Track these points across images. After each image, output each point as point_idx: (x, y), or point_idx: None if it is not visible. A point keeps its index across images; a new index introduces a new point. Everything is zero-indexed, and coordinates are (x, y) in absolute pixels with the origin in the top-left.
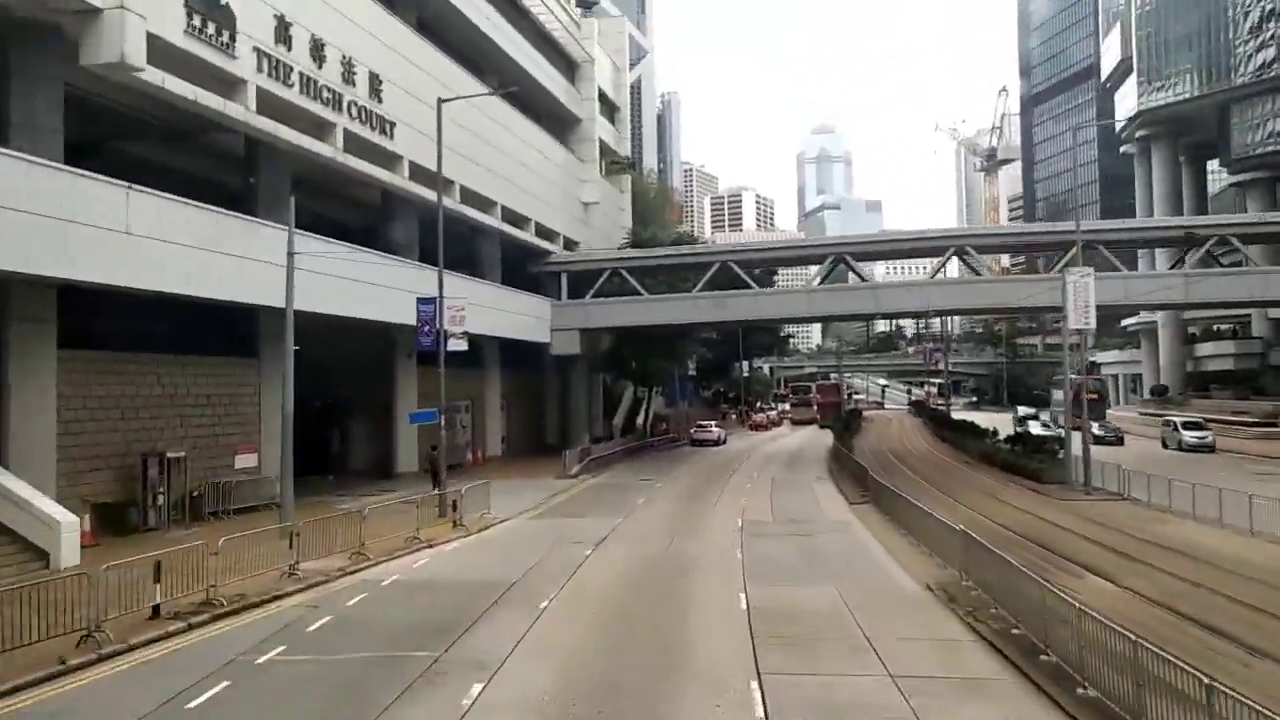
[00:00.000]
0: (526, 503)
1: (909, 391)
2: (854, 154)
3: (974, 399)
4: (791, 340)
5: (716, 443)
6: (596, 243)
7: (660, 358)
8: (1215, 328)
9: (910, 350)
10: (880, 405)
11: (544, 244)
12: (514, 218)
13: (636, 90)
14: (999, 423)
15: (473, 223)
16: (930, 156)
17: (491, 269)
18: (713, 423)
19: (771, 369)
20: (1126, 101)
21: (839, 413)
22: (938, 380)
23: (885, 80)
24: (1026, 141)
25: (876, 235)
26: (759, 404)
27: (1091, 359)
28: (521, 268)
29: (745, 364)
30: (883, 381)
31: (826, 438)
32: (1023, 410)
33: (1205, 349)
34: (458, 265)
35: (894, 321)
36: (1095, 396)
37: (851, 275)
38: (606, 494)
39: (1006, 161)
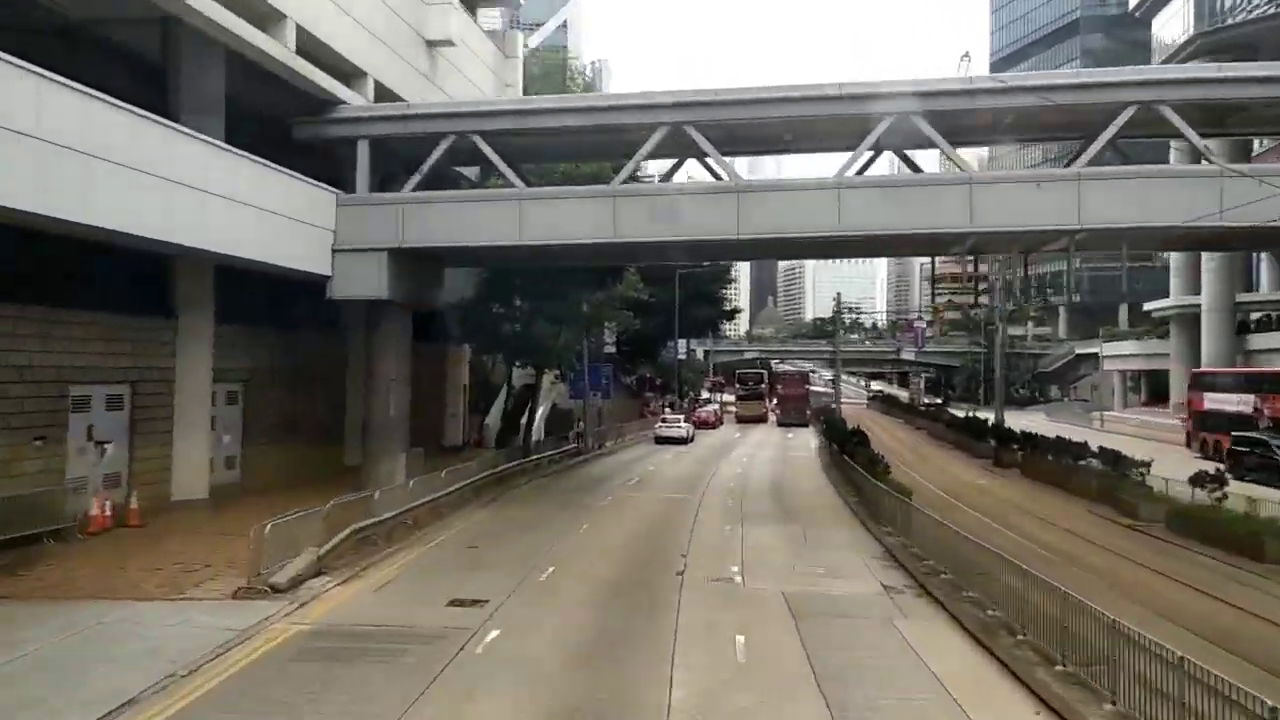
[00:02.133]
0: None
1: (866, 384)
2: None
3: (940, 395)
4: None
5: (684, 440)
6: None
7: (558, 318)
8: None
9: (864, 337)
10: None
11: (332, 86)
12: (264, 15)
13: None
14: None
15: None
16: None
17: (202, 107)
18: (680, 417)
19: (707, 353)
20: (1171, 27)
21: (805, 410)
22: (901, 370)
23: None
24: None
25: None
26: (696, 396)
27: (1081, 350)
28: (282, 134)
29: (682, 343)
30: (826, 372)
31: (795, 443)
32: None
33: (1263, 340)
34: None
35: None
36: None
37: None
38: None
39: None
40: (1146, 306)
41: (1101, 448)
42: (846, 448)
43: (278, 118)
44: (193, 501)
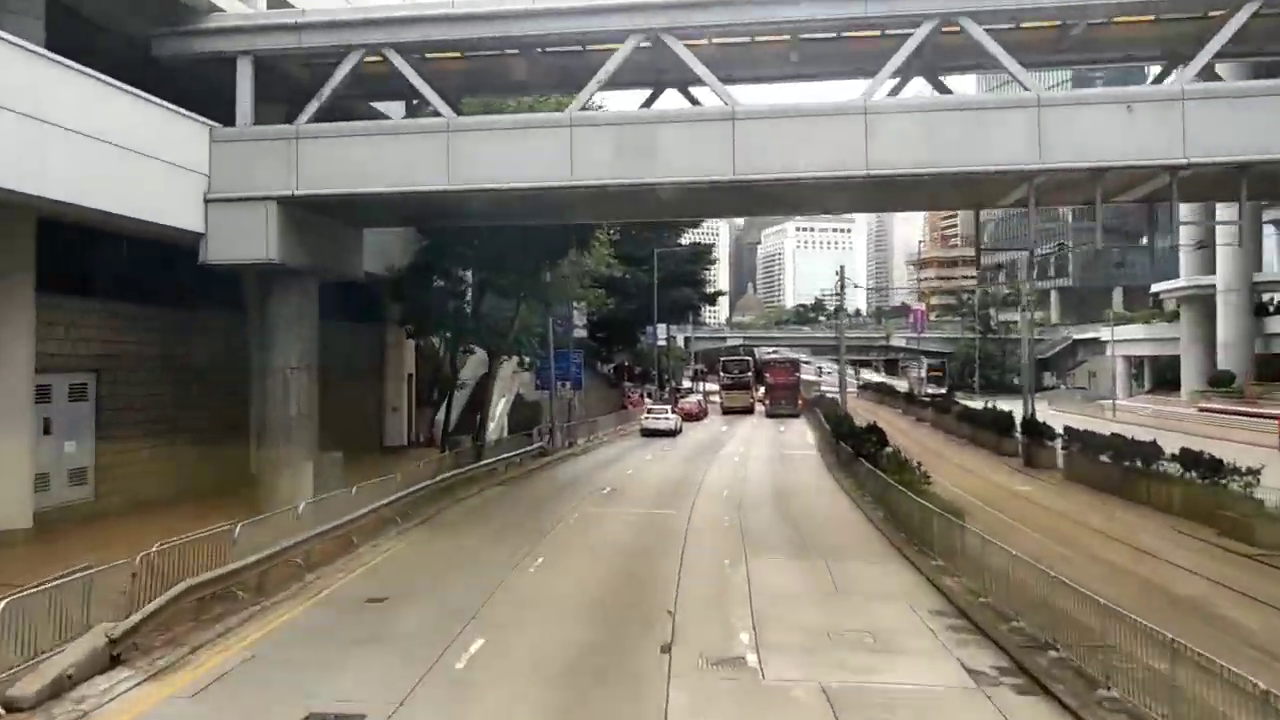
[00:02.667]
0: None
1: (856, 372)
2: None
3: (944, 384)
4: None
5: (672, 433)
6: None
7: (512, 291)
8: None
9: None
10: (819, 388)
11: None
12: None
13: None
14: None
15: None
16: None
17: (12, 4)
18: (668, 408)
19: (687, 340)
20: None
21: (797, 400)
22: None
23: None
24: None
25: None
26: (678, 385)
27: (1079, 336)
28: (144, 58)
29: (661, 329)
30: (815, 360)
31: (790, 438)
32: None
33: None
34: None
35: (841, 283)
36: None
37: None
38: None
39: None
40: (1155, 288)
41: (1185, 450)
42: (863, 449)
43: (135, 35)
44: (8, 534)
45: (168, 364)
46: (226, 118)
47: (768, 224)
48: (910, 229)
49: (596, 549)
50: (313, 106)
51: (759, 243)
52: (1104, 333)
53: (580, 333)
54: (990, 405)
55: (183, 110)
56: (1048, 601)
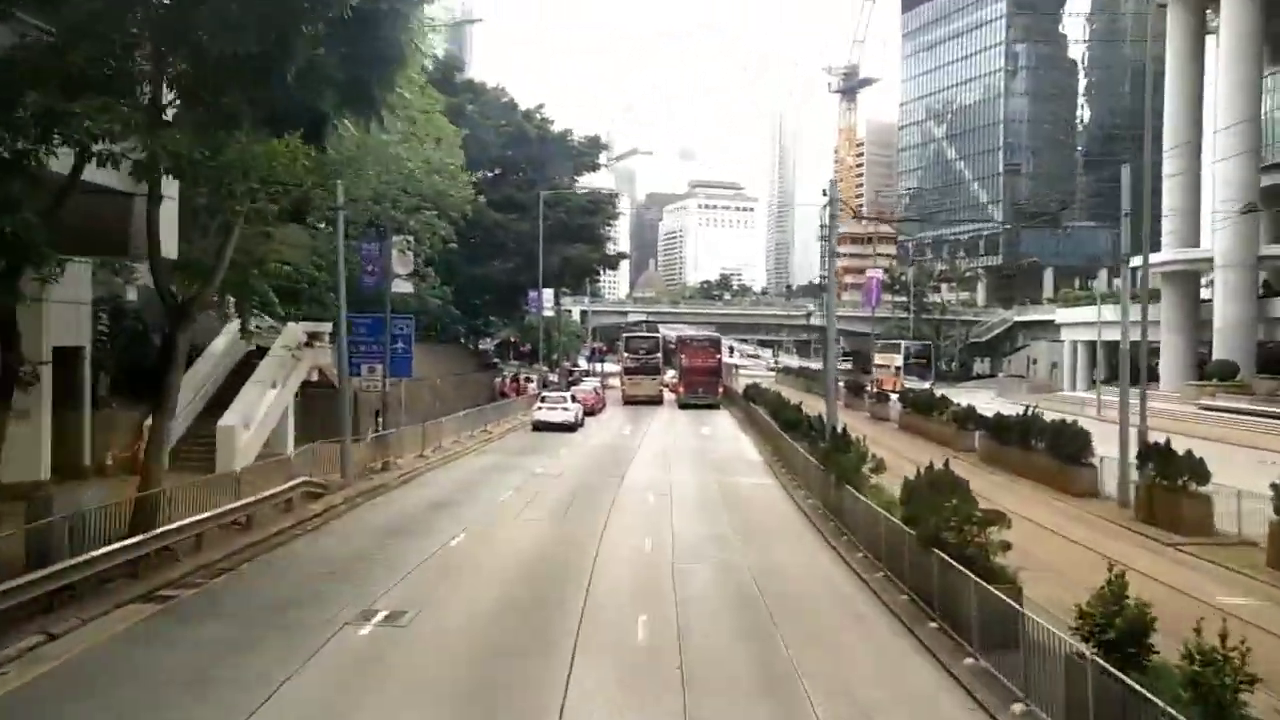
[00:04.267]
0: None
1: (774, 355)
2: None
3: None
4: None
5: (570, 428)
6: None
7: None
8: None
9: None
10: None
11: None
12: None
13: None
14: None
15: None
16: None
17: None
18: (567, 395)
19: (584, 314)
20: None
21: (717, 387)
22: (798, 340)
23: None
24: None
25: None
26: (574, 367)
27: (1021, 319)
28: None
29: (549, 294)
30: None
31: (720, 442)
32: None
33: None
34: None
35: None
36: None
37: None
38: None
39: (868, 82)
40: (1136, 263)
41: None
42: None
43: None
44: None
45: None
46: None
47: (669, 200)
48: (810, 213)
49: None
50: None
51: (660, 219)
52: (1058, 314)
53: (402, 284)
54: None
55: None
56: None
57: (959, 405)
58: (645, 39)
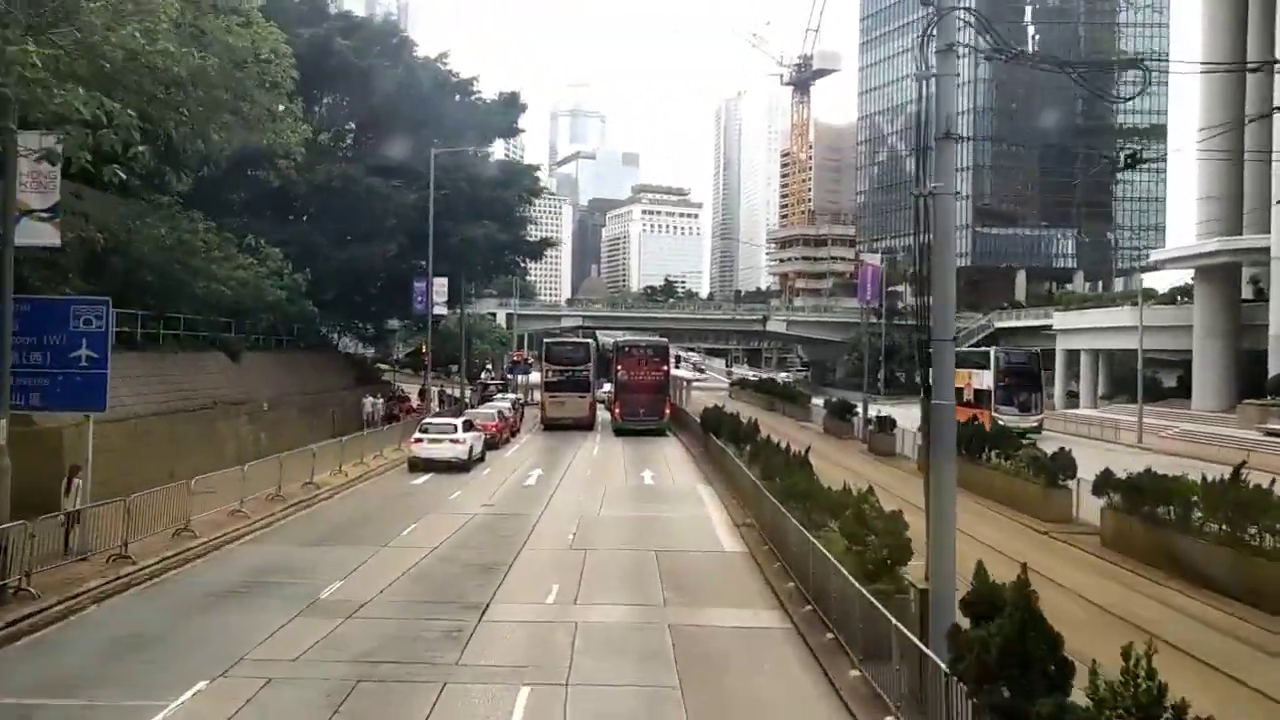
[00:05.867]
0: None
1: (728, 365)
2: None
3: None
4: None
5: (462, 466)
6: None
7: None
8: None
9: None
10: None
11: None
12: None
13: None
14: None
15: None
16: (695, 102)
17: None
18: (456, 422)
19: (510, 317)
20: None
21: (663, 407)
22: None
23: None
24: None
25: None
26: (494, 379)
27: (1002, 325)
28: None
29: (440, 284)
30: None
31: (677, 506)
32: None
33: None
34: None
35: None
36: None
37: None
38: None
39: (823, 73)
40: (1156, 256)
41: None
42: None
43: None
44: None
45: None
46: None
47: (612, 205)
48: (755, 218)
49: None
50: None
51: (604, 225)
52: (1057, 319)
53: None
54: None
55: None
56: None
57: (1036, 447)
58: (588, 37)
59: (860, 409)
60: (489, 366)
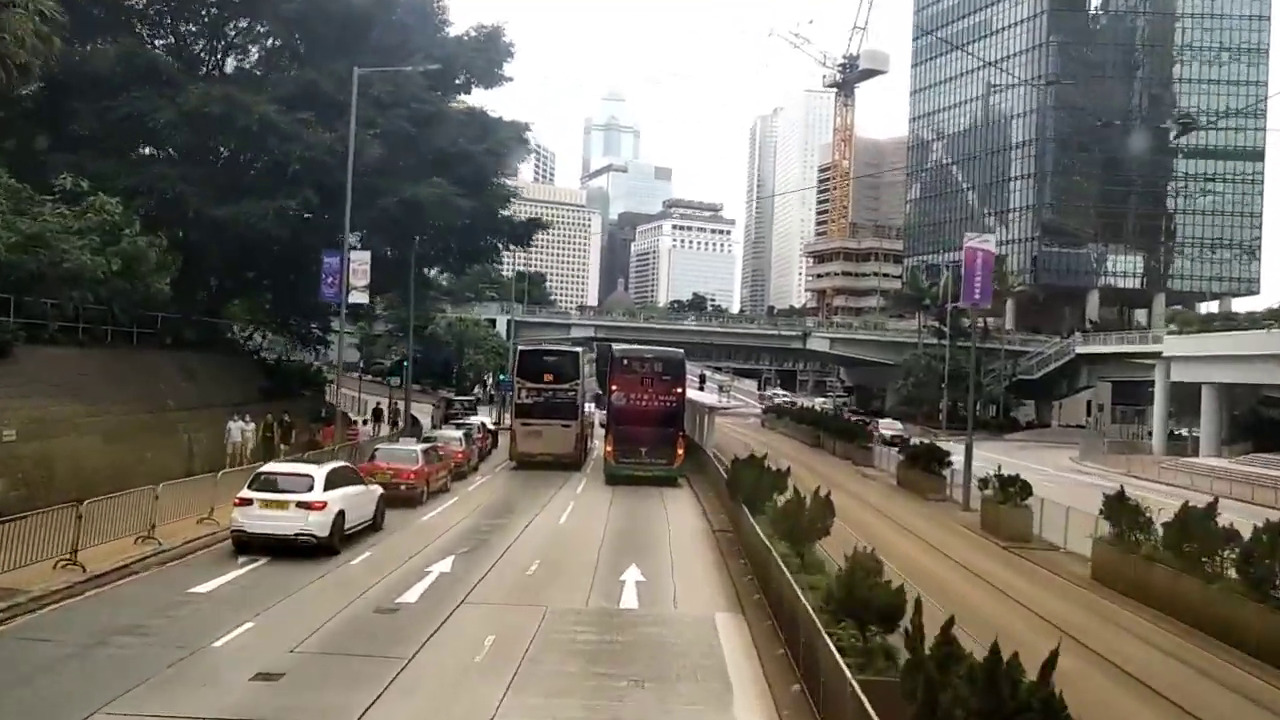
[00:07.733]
0: None
1: (761, 389)
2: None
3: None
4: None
5: (320, 547)
6: None
7: None
8: None
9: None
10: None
11: None
12: None
13: None
14: None
15: None
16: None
17: None
18: (319, 471)
19: (512, 325)
20: None
21: (677, 445)
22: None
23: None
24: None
25: None
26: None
27: (1084, 350)
28: None
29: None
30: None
31: None
32: None
33: None
34: None
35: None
36: None
37: None
38: None
39: (871, 74)
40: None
41: None
42: None
43: None
44: None
45: None
46: None
47: (643, 220)
48: (789, 239)
49: None
50: None
51: (633, 239)
52: (1168, 344)
53: None
54: None
55: None
56: None
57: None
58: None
59: (958, 460)
60: (486, 380)
